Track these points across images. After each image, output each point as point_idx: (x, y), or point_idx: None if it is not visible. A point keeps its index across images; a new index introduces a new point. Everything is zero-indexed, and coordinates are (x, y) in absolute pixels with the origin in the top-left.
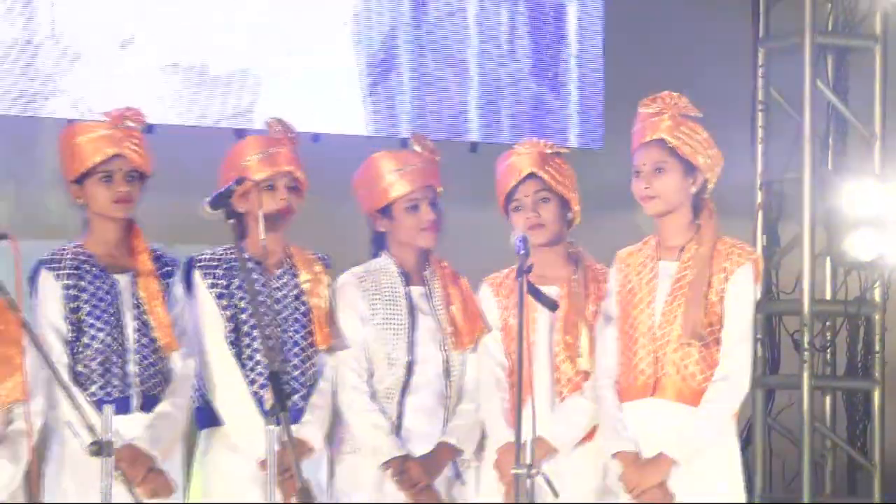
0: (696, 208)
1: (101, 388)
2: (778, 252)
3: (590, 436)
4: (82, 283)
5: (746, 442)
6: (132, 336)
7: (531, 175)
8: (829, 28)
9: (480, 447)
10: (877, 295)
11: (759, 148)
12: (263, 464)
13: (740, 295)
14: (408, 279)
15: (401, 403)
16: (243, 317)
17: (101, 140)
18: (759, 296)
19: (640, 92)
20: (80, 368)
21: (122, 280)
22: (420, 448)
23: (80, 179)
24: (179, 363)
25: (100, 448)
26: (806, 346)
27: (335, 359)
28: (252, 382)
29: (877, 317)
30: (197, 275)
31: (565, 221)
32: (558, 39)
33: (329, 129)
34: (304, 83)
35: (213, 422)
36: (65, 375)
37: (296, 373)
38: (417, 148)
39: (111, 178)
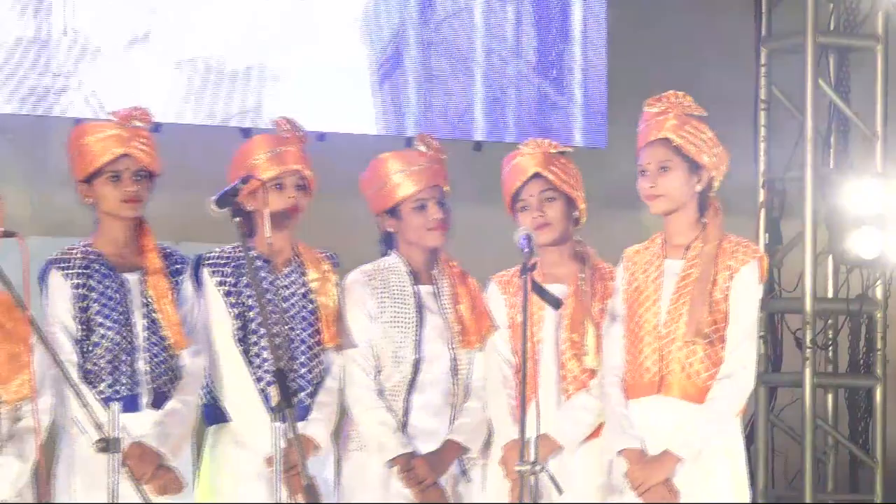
0: (701, 206)
1: (110, 385)
2: (780, 250)
3: (596, 433)
4: (91, 283)
5: (749, 439)
6: (141, 334)
7: (536, 175)
8: (831, 28)
9: (487, 445)
10: (878, 293)
11: (762, 147)
12: (270, 460)
13: (745, 293)
14: (416, 278)
15: (407, 401)
16: (251, 314)
17: (109, 140)
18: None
19: (644, 91)
20: (89, 366)
21: (132, 279)
22: (426, 446)
23: (89, 179)
24: (189, 360)
25: (107, 445)
26: (808, 343)
27: (343, 357)
28: (259, 380)
29: (878, 314)
30: (205, 272)
31: (571, 220)
32: (563, 37)
33: (334, 128)
34: (309, 82)
35: (221, 418)
36: (74, 374)
37: (303, 370)
38: (422, 148)
39: (119, 178)
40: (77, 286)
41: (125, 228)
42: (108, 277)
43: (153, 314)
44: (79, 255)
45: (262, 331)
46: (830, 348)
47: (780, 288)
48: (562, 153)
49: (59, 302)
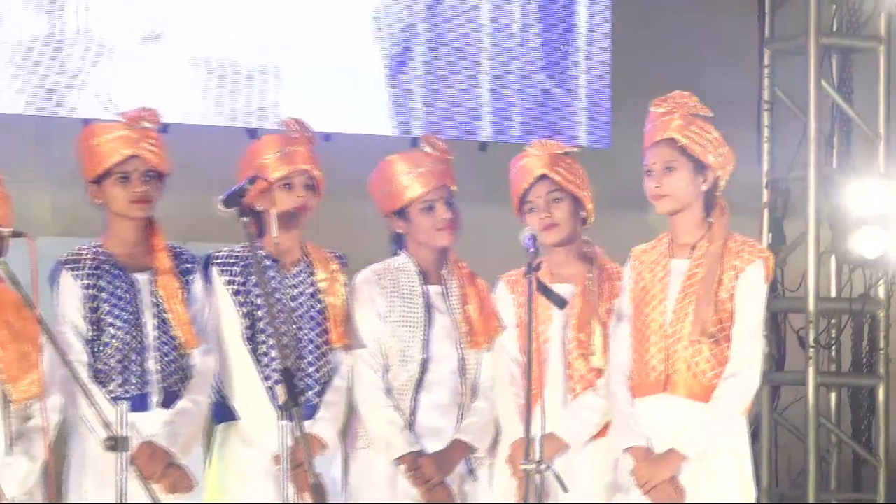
0: (707, 206)
1: (120, 385)
2: (783, 250)
3: (602, 432)
4: (101, 283)
5: (752, 438)
6: (151, 334)
7: (543, 176)
8: (834, 29)
9: (494, 444)
10: (881, 292)
11: (765, 147)
12: (277, 458)
13: (750, 292)
14: (426, 278)
15: (415, 400)
16: (259, 313)
17: (118, 141)
18: None
19: (647, 92)
20: (99, 366)
21: (142, 279)
22: (434, 445)
23: (99, 180)
24: (199, 359)
25: (115, 443)
26: (811, 343)
27: (351, 356)
28: (267, 378)
29: (881, 314)
30: (214, 271)
31: (579, 220)
32: (568, 36)
33: (340, 129)
34: (315, 82)
35: (230, 416)
36: (85, 373)
37: (310, 369)
38: (428, 149)
39: (128, 179)
40: (87, 286)
41: (135, 229)
42: (119, 278)
43: (163, 314)
44: (89, 256)
45: (270, 330)
46: (833, 347)
47: (784, 287)
48: (568, 154)
49: (70, 302)
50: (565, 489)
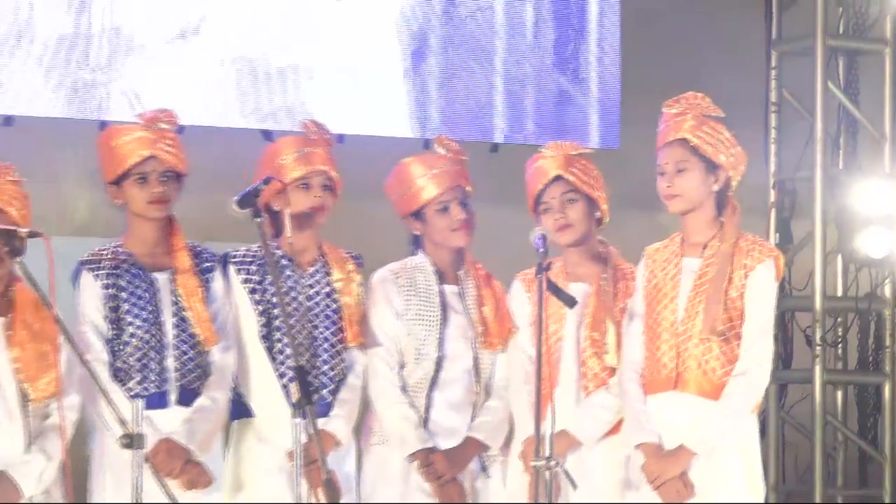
0: (719, 205)
1: (139, 383)
2: (790, 249)
3: (615, 429)
4: (121, 282)
5: (760, 435)
6: (171, 332)
7: (558, 178)
8: (840, 31)
9: (507, 442)
10: (887, 291)
11: (772, 148)
12: (291, 455)
13: (760, 291)
14: (442, 277)
15: (429, 398)
16: (275, 312)
17: (136, 142)
18: None
19: (656, 94)
20: (119, 364)
21: (161, 278)
22: (447, 443)
23: (118, 181)
24: (218, 356)
25: (130, 441)
26: (818, 341)
27: (367, 355)
28: (282, 376)
29: (887, 312)
30: (231, 270)
31: (593, 220)
32: (580, 35)
33: (354, 130)
34: (328, 84)
35: (245, 413)
36: (105, 372)
37: (325, 367)
38: (441, 150)
39: (146, 180)
40: (107, 286)
41: (154, 228)
42: (138, 277)
43: (182, 312)
44: (109, 256)
45: (285, 328)
46: (840, 346)
47: (791, 286)
48: (582, 155)
49: (90, 302)
50: (575, 486)
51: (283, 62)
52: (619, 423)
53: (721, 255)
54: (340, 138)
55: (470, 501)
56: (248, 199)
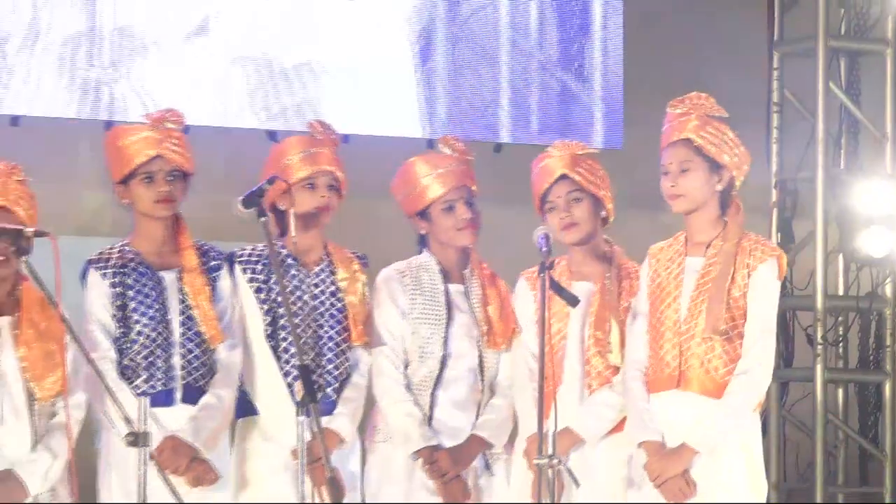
0: (723, 205)
1: (146, 381)
2: (792, 249)
3: (618, 427)
4: (128, 281)
5: (762, 433)
6: (177, 330)
7: (563, 177)
8: (842, 32)
9: (511, 439)
10: (888, 290)
11: (774, 148)
12: (295, 452)
13: (763, 290)
14: (447, 276)
15: (433, 396)
16: (281, 311)
17: (142, 142)
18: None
19: (658, 94)
20: (126, 362)
21: (168, 277)
22: (451, 441)
23: (125, 181)
24: (224, 354)
25: (135, 439)
26: (819, 340)
27: (372, 353)
28: (287, 375)
29: (888, 311)
30: (237, 269)
31: (599, 219)
32: (584, 34)
33: (358, 130)
34: (333, 84)
35: (250, 411)
36: (113, 370)
37: (329, 366)
38: (446, 150)
39: (153, 179)
40: (114, 285)
41: (161, 227)
42: (145, 276)
43: (189, 310)
44: (116, 255)
45: (290, 327)
46: (841, 344)
47: (792, 286)
48: (588, 154)
49: (97, 300)
50: (577, 484)
51: (289, 62)
52: (623, 421)
53: (724, 254)
54: (346, 138)
55: (473, 499)
56: (253, 199)
